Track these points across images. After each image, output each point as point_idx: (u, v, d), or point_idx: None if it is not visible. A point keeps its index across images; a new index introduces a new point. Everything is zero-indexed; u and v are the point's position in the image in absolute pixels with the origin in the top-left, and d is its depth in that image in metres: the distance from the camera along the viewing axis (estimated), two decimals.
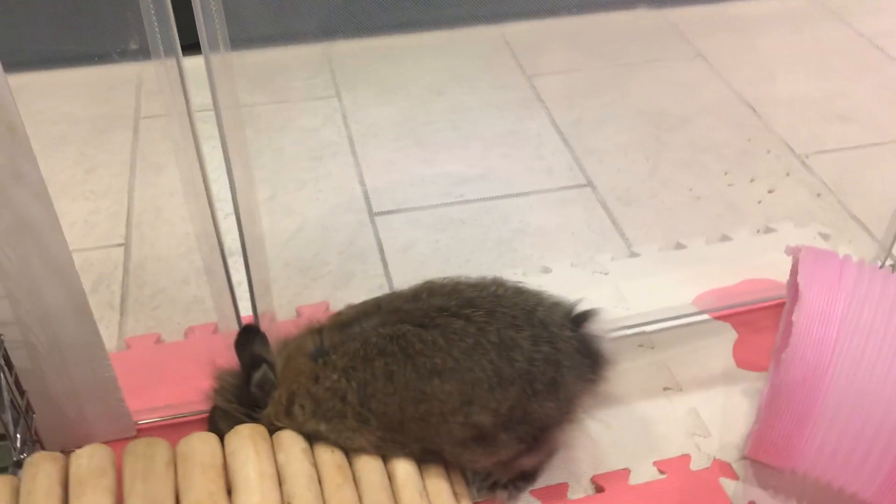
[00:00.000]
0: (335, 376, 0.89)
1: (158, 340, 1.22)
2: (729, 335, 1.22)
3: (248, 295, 1.14)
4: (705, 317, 1.24)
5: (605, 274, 1.32)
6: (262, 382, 0.92)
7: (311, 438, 0.91)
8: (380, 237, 1.40)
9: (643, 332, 1.21)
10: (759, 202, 1.47)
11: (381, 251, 1.37)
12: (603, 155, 1.59)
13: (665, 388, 1.14)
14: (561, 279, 1.30)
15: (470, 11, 1.88)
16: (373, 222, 1.43)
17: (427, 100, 1.75)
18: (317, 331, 0.96)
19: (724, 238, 1.39)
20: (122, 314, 1.25)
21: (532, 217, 1.44)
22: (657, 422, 1.10)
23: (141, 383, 1.13)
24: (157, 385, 1.14)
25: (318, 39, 1.87)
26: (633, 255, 1.36)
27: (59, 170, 1.53)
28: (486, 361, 0.87)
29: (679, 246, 1.38)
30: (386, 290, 1.29)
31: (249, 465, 0.86)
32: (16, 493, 0.84)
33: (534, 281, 1.26)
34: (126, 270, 1.33)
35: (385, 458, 0.93)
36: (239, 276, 1.08)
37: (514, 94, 1.76)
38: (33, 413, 0.97)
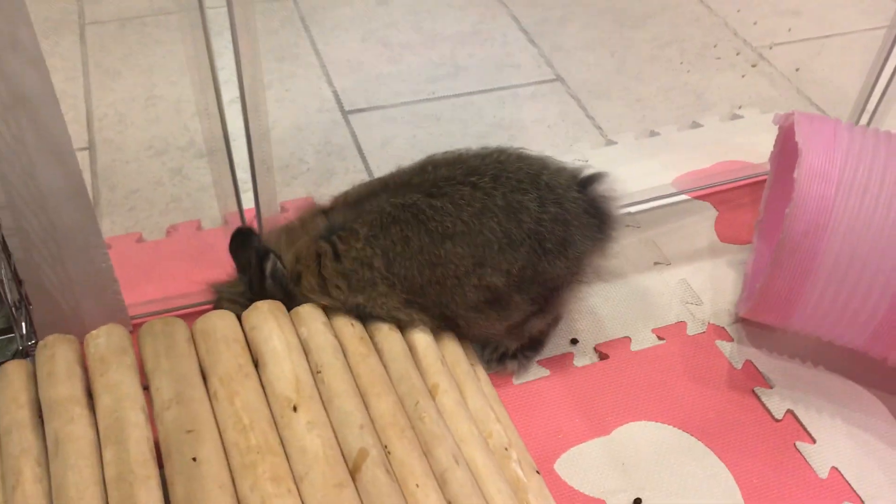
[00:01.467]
0: (359, 245, 0.89)
1: (140, 240, 1.17)
2: (709, 213, 1.25)
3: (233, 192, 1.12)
4: (685, 197, 1.27)
5: (586, 161, 1.33)
6: (273, 273, 0.91)
7: (353, 311, 0.92)
8: (356, 134, 1.37)
9: (629, 213, 1.24)
10: (722, 90, 1.51)
11: (359, 148, 1.35)
12: (570, 51, 1.59)
13: (655, 263, 1.17)
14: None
15: None
16: (346, 120, 1.40)
17: (387, 1, 1.71)
18: (322, 212, 0.95)
19: (695, 125, 1.42)
20: (97, 216, 1.20)
21: (506, 112, 1.44)
22: (652, 293, 1.13)
23: (128, 280, 1.09)
24: (146, 282, 1.11)
25: None
26: (610, 142, 1.38)
27: None
28: (495, 223, 0.88)
29: (653, 133, 1.40)
30: None
31: (274, 337, 0.85)
32: (31, 377, 0.81)
33: None
34: (94, 174, 1.28)
35: (403, 330, 0.94)
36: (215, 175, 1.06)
37: None
38: (30, 304, 0.93)
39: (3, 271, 0.86)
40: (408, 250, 0.89)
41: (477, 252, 0.89)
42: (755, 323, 1.08)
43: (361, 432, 0.79)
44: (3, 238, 0.86)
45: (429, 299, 0.91)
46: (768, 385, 1.02)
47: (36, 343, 0.90)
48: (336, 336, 0.89)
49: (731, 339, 1.07)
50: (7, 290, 0.86)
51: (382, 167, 1.31)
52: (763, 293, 0.98)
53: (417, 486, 0.77)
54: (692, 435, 0.97)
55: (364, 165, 1.32)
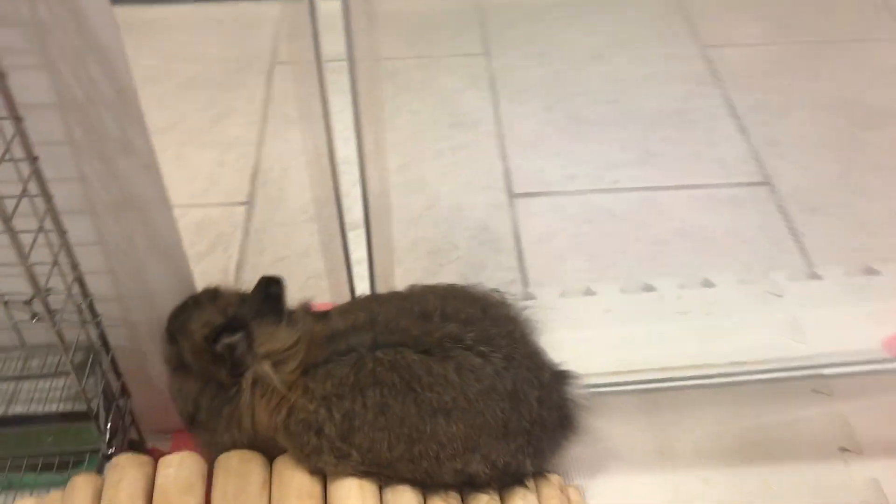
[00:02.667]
0: (311, 406, 0.76)
1: None
2: None
3: (367, 274, 1.03)
4: None
5: (779, 297, 1.13)
6: (232, 349, 0.76)
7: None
8: (517, 223, 1.25)
9: (820, 375, 1.03)
10: None
11: (518, 240, 1.23)
12: (786, 149, 1.37)
13: (841, 449, 0.96)
14: (726, 297, 1.12)
15: None
16: (511, 204, 1.28)
17: (584, 65, 1.57)
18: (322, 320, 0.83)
19: None
20: (235, 283, 1.17)
21: (696, 216, 1.26)
22: (826, 487, 0.92)
23: None
24: None
25: None
26: (814, 276, 1.16)
27: (188, 114, 1.45)
28: (499, 409, 0.78)
29: (871, 271, 1.16)
30: (518, 286, 1.16)
31: (351, 500, 0.75)
32: (98, 495, 0.76)
33: (695, 297, 1.11)
34: (246, 233, 1.25)
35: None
36: (360, 252, 0.97)
37: (684, 66, 1.56)
38: (129, 396, 0.90)
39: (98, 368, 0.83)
40: (381, 420, 0.76)
41: (473, 435, 0.77)
42: None
43: None
44: (103, 333, 0.83)
45: (394, 474, 0.78)
46: None
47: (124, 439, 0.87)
48: None
49: None
50: (97, 390, 0.82)
51: (538, 265, 1.19)
52: None
53: None
54: None
55: (518, 263, 1.19)
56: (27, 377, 0.90)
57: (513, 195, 1.30)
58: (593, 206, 1.28)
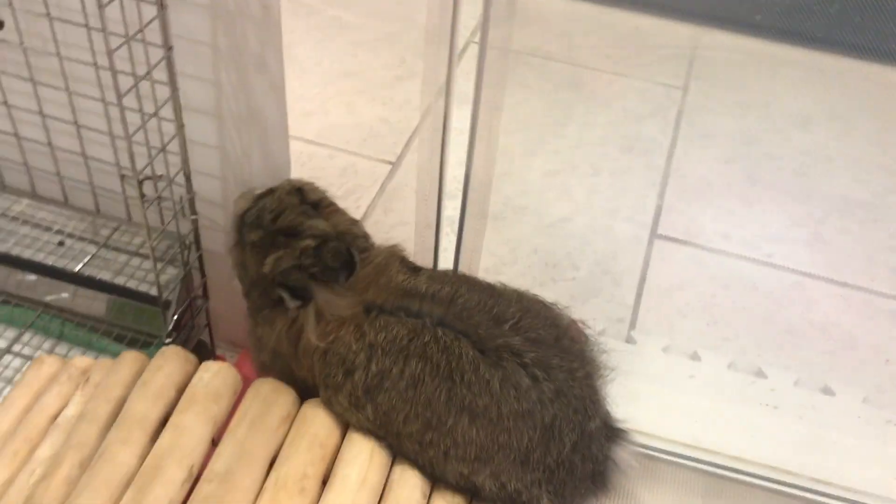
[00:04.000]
0: (354, 347, 0.75)
1: None
2: None
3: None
4: None
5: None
6: (337, 255, 0.77)
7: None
8: (648, 265, 1.19)
9: None
10: None
11: (643, 280, 1.16)
12: None
13: None
14: (842, 410, 1.01)
15: (882, 45, 1.52)
16: (650, 244, 1.22)
17: (783, 128, 1.45)
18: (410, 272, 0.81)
19: None
20: None
21: (843, 317, 1.14)
22: None
23: None
24: None
25: (690, 19, 1.64)
26: None
27: (374, 68, 1.49)
28: (527, 437, 0.74)
29: None
30: (625, 326, 1.10)
31: (356, 465, 0.75)
32: (139, 374, 0.80)
33: (805, 399, 1.00)
34: (382, 191, 1.26)
35: None
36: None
37: (893, 160, 1.41)
38: (208, 298, 0.93)
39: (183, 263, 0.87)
40: (410, 392, 0.73)
41: (489, 448, 0.74)
42: None
43: None
44: (197, 233, 0.87)
45: (398, 445, 0.76)
46: None
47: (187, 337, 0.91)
48: (428, 499, 0.76)
49: None
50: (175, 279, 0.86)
51: (653, 314, 1.12)
52: None
53: None
54: None
55: (634, 304, 1.13)
56: (125, 251, 0.96)
57: (655, 235, 1.23)
58: (736, 272, 1.19)
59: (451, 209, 0.99)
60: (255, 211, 0.79)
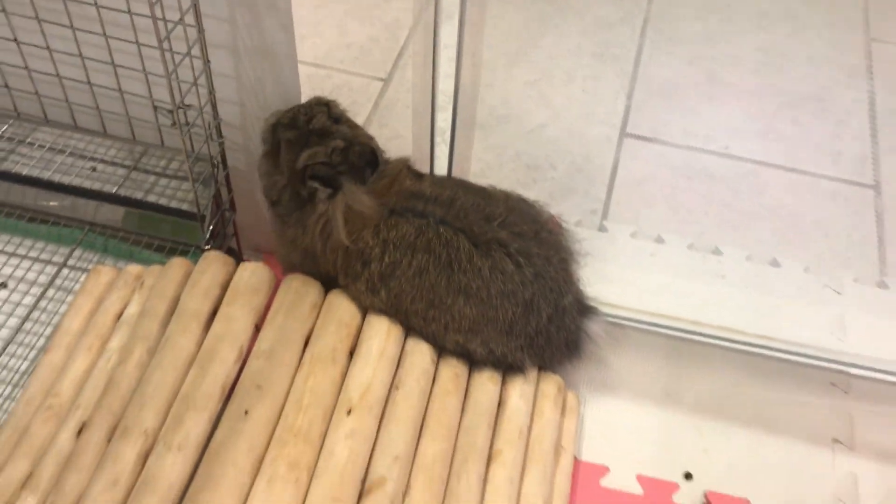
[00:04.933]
0: (371, 242, 0.90)
1: None
2: None
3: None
4: None
5: (838, 293, 1.16)
6: (363, 155, 0.92)
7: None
8: (619, 162, 1.33)
9: (843, 372, 1.07)
10: None
11: (613, 175, 1.31)
12: None
13: (834, 440, 1.02)
14: (784, 278, 1.17)
15: None
16: (620, 143, 1.36)
17: (743, 30, 1.57)
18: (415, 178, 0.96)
19: None
20: None
21: (791, 199, 1.29)
22: (806, 470, 0.99)
23: None
24: None
25: None
26: (881, 285, 1.18)
27: None
28: (511, 310, 0.91)
29: None
30: (597, 217, 1.24)
31: (376, 339, 0.91)
32: (187, 276, 0.95)
33: (756, 271, 1.16)
34: (375, 107, 1.39)
35: (504, 386, 0.94)
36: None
37: (843, 54, 1.54)
38: (235, 211, 1.07)
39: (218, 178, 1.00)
40: (416, 279, 0.90)
41: (480, 322, 0.91)
42: None
43: (392, 463, 0.82)
44: (223, 152, 1.00)
45: (405, 320, 0.93)
46: None
47: (222, 246, 1.05)
48: (436, 364, 0.92)
49: None
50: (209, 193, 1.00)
51: (623, 205, 1.26)
52: None
53: None
54: None
55: (606, 197, 1.28)
56: (162, 174, 1.09)
57: (624, 134, 1.37)
58: (697, 164, 1.33)
59: (443, 121, 1.12)
60: (290, 114, 0.92)
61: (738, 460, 1.00)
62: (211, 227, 1.01)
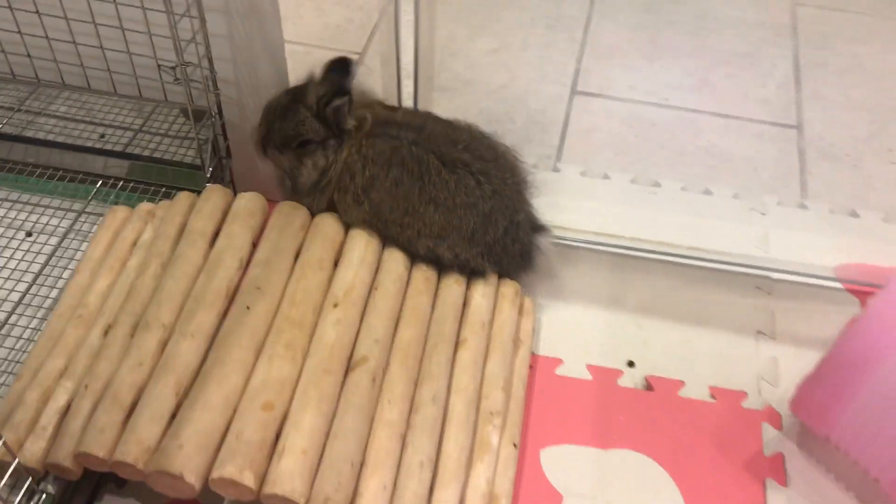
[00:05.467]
0: (355, 158, 1.06)
1: None
2: (853, 310, 1.20)
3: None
4: (838, 285, 1.23)
5: (763, 214, 1.32)
6: (338, 109, 1.06)
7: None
8: (570, 115, 1.49)
9: (768, 277, 1.23)
10: None
11: (565, 126, 1.47)
12: (829, 104, 1.53)
13: (758, 332, 1.18)
14: (715, 204, 1.33)
15: None
16: (571, 99, 1.52)
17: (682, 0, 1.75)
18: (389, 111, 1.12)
19: None
20: None
21: (723, 140, 1.46)
22: (733, 356, 1.15)
23: None
24: None
25: None
26: (802, 206, 1.35)
27: None
28: (472, 220, 1.07)
29: (853, 214, 1.34)
30: (551, 161, 1.40)
31: (357, 250, 1.06)
32: (192, 207, 1.10)
33: (690, 198, 1.32)
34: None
35: (469, 286, 1.09)
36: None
37: (771, 16, 1.71)
38: (230, 157, 1.23)
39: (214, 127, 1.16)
40: (393, 189, 1.05)
41: (447, 228, 1.06)
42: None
43: (373, 345, 0.98)
44: (219, 103, 1.16)
45: (384, 228, 1.08)
46: (784, 484, 1.02)
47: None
48: (409, 270, 1.08)
49: (780, 429, 1.07)
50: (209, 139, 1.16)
51: (574, 150, 1.43)
52: (801, 393, 0.98)
53: (389, 401, 0.94)
54: (679, 489, 1.02)
55: (559, 144, 1.44)
56: (166, 135, 1.24)
57: (575, 92, 1.54)
58: (639, 115, 1.50)
59: (407, 87, 1.29)
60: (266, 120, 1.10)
61: (673, 349, 1.15)
62: (211, 170, 1.17)
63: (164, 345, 0.95)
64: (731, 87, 1.55)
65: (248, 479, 0.84)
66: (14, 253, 1.18)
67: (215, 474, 0.85)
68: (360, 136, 1.07)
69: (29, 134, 1.31)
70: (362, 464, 0.90)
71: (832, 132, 1.48)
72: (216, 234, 1.07)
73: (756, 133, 1.47)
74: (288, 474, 0.85)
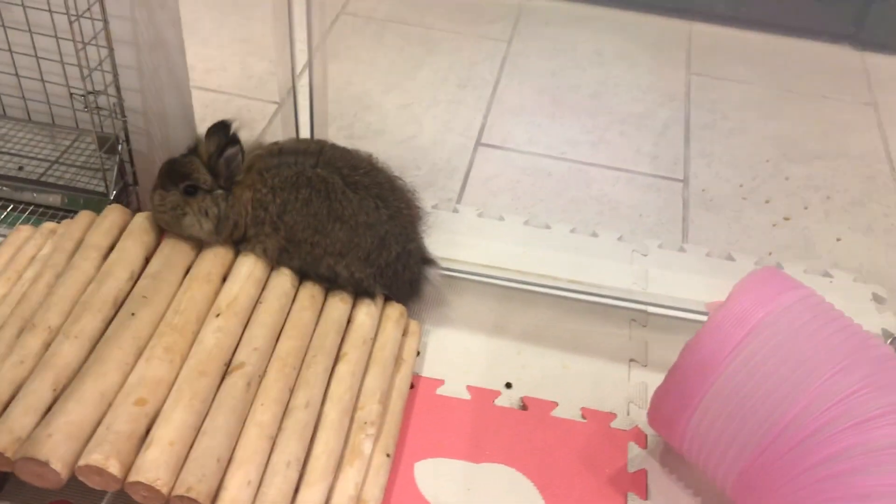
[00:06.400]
0: (265, 190, 1.12)
1: None
2: None
3: None
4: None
5: (644, 255, 1.41)
6: (230, 158, 1.11)
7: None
8: (472, 163, 1.59)
9: (643, 311, 1.31)
10: (836, 243, 1.48)
11: (467, 174, 1.56)
12: (716, 160, 1.65)
13: (631, 360, 1.24)
14: (601, 245, 1.42)
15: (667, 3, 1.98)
16: (475, 150, 1.62)
17: (587, 66, 1.88)
18: (277, 148, 1.18)
19: (777, 266, 1.42)
20: None
21: (613, 190, 1.56)
22: (606, 380, 1.21)
23: None
24: None
25: None
26: (681, 250, 1.44)
27: (262, 34, 1.86)
28: (371, 240, 1.14)
29: (729, 258, 1.43)
30: (452, 204, 1.49)
31: (245, 265, 1.12)
32: (92, 222, 1.16)
33: (578, 239, 1.41)
34: (270, 123, 1.63)
35: (354, 306, 1.15)
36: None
37: (667, 84, 1.85)
38: (137, 184, 1.29)
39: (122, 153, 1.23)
40: (304, 210, 1.12)
41: (347, 245, 1.13)
42: None
43: (252, 352, 1.03)
44: (126, 130, 1.23)
45: (297, 251, 1.14)
46: (645, 497, 1.07)
47: None
48: (297, 288, 1.14)
49: (644, 448, 1.13)
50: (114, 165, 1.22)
51: (472, 195, 1.51)
52: (652, 407, 1.04)
53: (262, 404, 0.99)
54: (544, 500, 1.06)
55: (460, 189, 1.52)
56: (80, 167, 1.30)
57: (479, 144, 1.64)
58: (537, 166, 1.60)
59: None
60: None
61: (550, 374, 1.22)
62: (115, 193, 1.23)
63: (47, 346, 0.99)
64: (624, 144, 1.67)
65: (114, 468, 0.88)
66: None
67: (81, 462, 0.88)
68: (255, 172, 1.14)
69: None
70: (230, 460, 0.94)
71: (715, 185, 1.59)
72: (111, 249, 1.12)
73: (644, 185, 1.58)
74: (153, 463, 0.89)
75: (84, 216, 1.17)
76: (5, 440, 0.89)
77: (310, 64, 1.26)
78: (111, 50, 1.14)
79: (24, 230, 1.21)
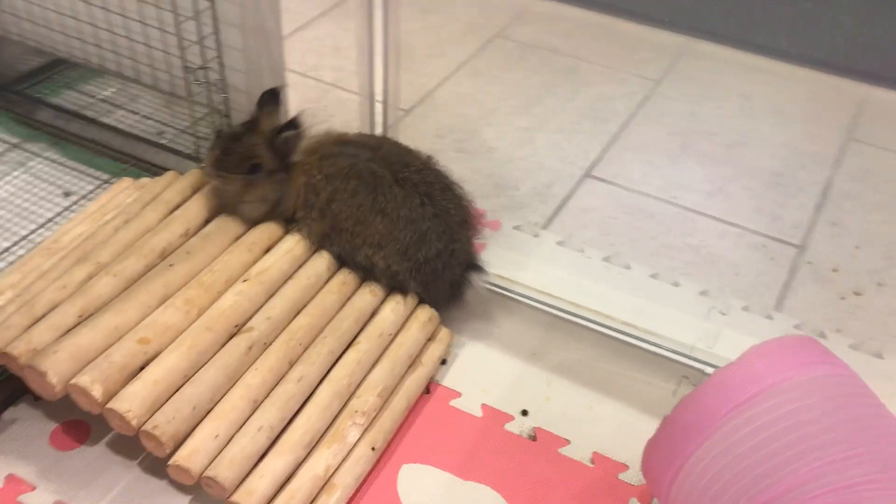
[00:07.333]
0: (319, 177, 1.16)
1: None
2: None
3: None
4: None
5: (723, 314, 1.30)
6: (289, 139, 1.16)
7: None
8: (573, 193, 1.54)
9: (699, 370, 1.21)
10: None
11: (564, 202, 1.52)
12: (846, 232, 1.48)
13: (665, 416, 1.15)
14: (678, 295, 1.33)
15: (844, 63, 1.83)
16: (581, 180, 1.58)
17: (733, 115, 1.77)
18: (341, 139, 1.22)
19: (877, 355, 1.26)
20: None
21: (716, 244, 1.45)
22: (629, 431, 1.13)
23: None
24: None
25: (683, 31, 1.98)
26: (769, 317, 1.31)
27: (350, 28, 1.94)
28: (409, 234, 1.15)
29: (821, 335, 1.28)
30: (536, 229, 1.46)
31: (288, 241, 1.18)
32: (170, 183, 1.26)
33: (655, 285, 1.33)
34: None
35: (383, 301, 1.17)
36: None
37: (818, 147, 1.69)
38: None
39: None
40: (350, 200, 1.15)
41: (386, 237, 1.15)
42: None
43: (264, 320, 1.07)
44: (227, 102, 1.33)
45: (338, 238, 1.17)
46: None
47: None
48: (332, 273, 1.17)
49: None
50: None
51: (562, 222, 1.47)
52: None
53: (256, 369, 1.03)
54: None
55: (550, 217, 1.49)
56: (184, 132, 1.43)
57: (588, 175, 1.59)
58: (641, 206, 1.53)
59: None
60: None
61: (572, 411, 1.15)
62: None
63: (91, 278, 1.09)
64: (744, 199, 1.55)
65: (97, 392, 0.95)
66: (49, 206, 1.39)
67: (71, 381, 0.96)
68: (316, 158, 1.19)
69: (89, 114, 1.55)
70: (208, 413, 0.98)
71: (836, 259, 1.43)
72: (181, 205, 1.22)
73: (752, 243, 1.46)
74: (131, 396, 0.95)
75: (168, 175, 1.28)
76: (22, 348, 0.99)
77: (385, 67, 1.30)
78: (216, 30, 1.24)
79: (125, 181, 1.34)
